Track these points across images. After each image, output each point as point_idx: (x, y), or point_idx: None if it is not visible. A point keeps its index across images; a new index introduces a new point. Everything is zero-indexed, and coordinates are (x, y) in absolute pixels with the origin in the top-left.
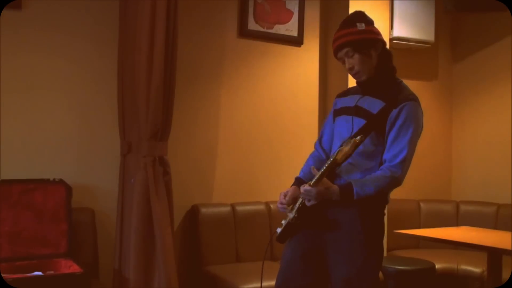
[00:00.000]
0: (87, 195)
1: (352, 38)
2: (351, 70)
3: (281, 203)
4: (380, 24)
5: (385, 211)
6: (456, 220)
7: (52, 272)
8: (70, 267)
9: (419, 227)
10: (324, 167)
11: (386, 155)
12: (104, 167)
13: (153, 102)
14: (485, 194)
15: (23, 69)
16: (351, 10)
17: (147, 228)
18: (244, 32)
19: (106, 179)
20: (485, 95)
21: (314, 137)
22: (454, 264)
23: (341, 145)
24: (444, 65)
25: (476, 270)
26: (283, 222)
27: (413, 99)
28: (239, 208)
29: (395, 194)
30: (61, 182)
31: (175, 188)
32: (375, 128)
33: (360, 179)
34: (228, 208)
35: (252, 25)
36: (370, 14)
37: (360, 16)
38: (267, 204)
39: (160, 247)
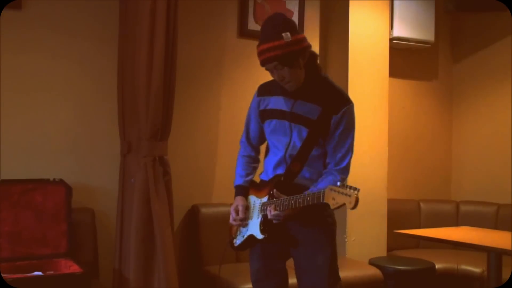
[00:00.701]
0: (87, 195)
1: (280, 53)
2: (281, 81)
3: (239, 220)
4: (380, 24)
5: None
6: (456, 220)
7: (52, 272)
8: (70, 267)
9: (419, 227)
10: (299, 199)
11: (331, 159)
12: (104, 167)
13: (153, 102)
14: (485, 194)
15: (23, 69)
16: (351, 10)
17: (147, 228)
18: (244, 32)
19: (106, 179)
20: (485, 95)
21: None
22: (454, 264)
23: (331, 188)
24: (444, 65)
25: (476, 270)
26: (240, 235)
27: (349, 100)
28: None
29: (395, 194)
30: (61, 182)
31: (175, 188)
32: (320, 135)
33: (316, 188)
34: (228, 208)
35: (252, 25)
36: (370, 14)
37: (284, 23)
38: None
39: (160, 247)
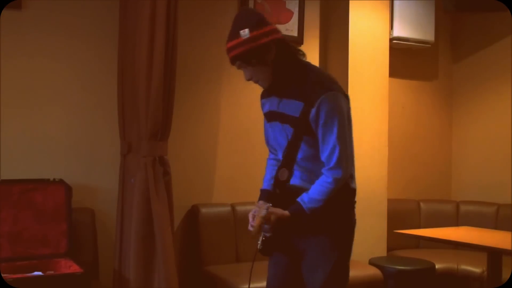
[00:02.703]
0: (87, 195)
1: (238, 52)
2: (250, 80)
3: (253, 226)
4: (380, 24)
5: (355, 199)
6: (456, 220)
7: (52, 272)
8: (70, 267)
9: (419, 227)
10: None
11: (322, 157)
12: (104, 167)
13: (153, 102)
14: (485, 194)
15: (23, 69)
16: (351, 10)
17: (147, 228)
18: None
19: (106, 179)
20: (485, 95)
21: None
22: (454, 264)
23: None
24: (444, 65)
25: (476, 270)
26: (260, 239)
27: (326, 88)
28: (239, 208)
29: (395, 194)
30: (61, 182)
31: (175, 188)
32: (304, 132)
33: (306, 194)
34: (228, 208)
35: None
36: (370, 14)
37: (244, 19)
38: None
39: (160, 247)
